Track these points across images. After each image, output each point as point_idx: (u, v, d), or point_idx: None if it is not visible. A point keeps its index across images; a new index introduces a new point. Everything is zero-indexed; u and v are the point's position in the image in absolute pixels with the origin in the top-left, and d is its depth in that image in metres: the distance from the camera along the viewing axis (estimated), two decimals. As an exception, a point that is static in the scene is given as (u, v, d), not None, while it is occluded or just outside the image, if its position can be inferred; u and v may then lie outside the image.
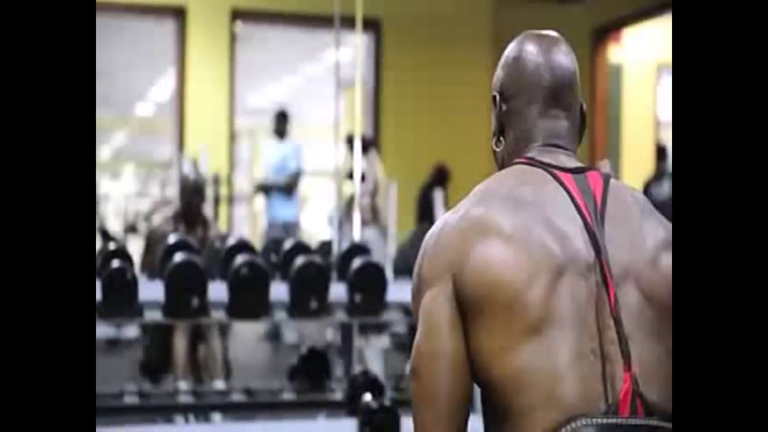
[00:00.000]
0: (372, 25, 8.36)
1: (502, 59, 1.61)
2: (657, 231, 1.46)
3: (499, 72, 1.60)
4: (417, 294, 1.46)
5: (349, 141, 5.97)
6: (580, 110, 1.59)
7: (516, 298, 1.36)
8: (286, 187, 7.59)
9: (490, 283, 1.37)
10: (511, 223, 1.41)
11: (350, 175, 5.93)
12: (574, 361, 1.34)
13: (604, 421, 1.32)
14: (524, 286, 1.36)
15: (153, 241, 5.32)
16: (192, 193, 5.35)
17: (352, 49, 5.65)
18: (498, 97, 1.59)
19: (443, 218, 1.50)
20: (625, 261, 1.42)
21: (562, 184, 1.48)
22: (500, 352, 1.36)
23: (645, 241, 1.44)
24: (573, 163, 1.53)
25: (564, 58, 1.56)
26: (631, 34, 8.22)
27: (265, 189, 7.77)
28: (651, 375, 1.35)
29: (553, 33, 1.60)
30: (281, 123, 7.85)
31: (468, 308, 1.39)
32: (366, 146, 6.18)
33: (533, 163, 1.52)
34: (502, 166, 1.59)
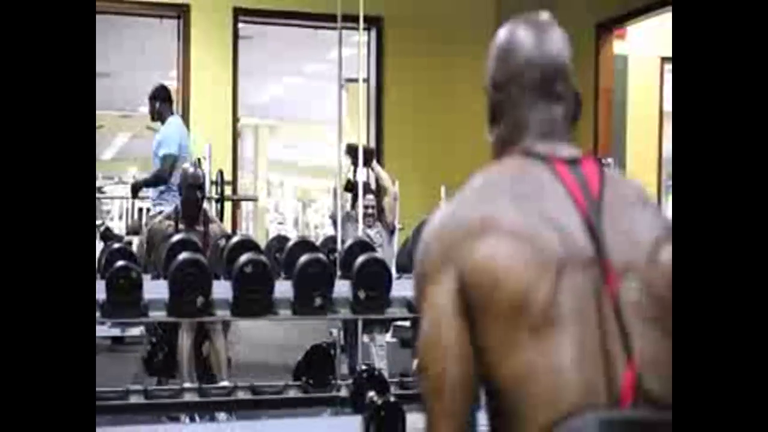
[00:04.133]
0: (374, 22, 8.36)
1: (492, 48, 1.58)
2: (655, 222, 1.44)
3: (489, 61, 1.58)
4: (420, 289, 1.45)
5: (349, 152, 5.80)
6: (574, 96, 1.55)
7: (520, 299, 1.35)
8: (153, 182, 6.54)
9: (495, 283, 1.36)
10: (513, 220, 1.39)
11: (348, 187, 5.83)
12: (577, 359, 1.33)
13: (605, 417, 1.32)
14: (528, 286, 1.35)
15: (154, 239, 5.29)
16: (191, 187, 5.29)
17: (355, 47, 5.63)
18: (489, 87, 1.58)
19: (444, 212, 1.48)
20: (625, 254, 1.39)
21: (558, 176, 1.45)
22: (505, 352, 1.36)
23: (643, 232, 1.42)
24: (568, 151, 1.50)
25: (555, 44, 1.53)
26: (635, 28, 8.22)
27: (135, 189, 6.82)
28: (653, 368, 1.34)
29: (543, 16, 1.56)
30: (153, 103, 6.65)
31: (472, 306, 1.38)
32: (368, 157, 6.04)
33: (529, 153, 1.49)
34: (496, 154, 1.57)
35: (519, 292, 1.35)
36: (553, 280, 1.35)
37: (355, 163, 5.68)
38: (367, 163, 5.79)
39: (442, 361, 1.40)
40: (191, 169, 5.46)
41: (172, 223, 5.28)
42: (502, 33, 1.56)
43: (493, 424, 1.42)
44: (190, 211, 5.29)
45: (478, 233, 1.39)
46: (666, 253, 1.40)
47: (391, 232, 6.32)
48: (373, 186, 6.31)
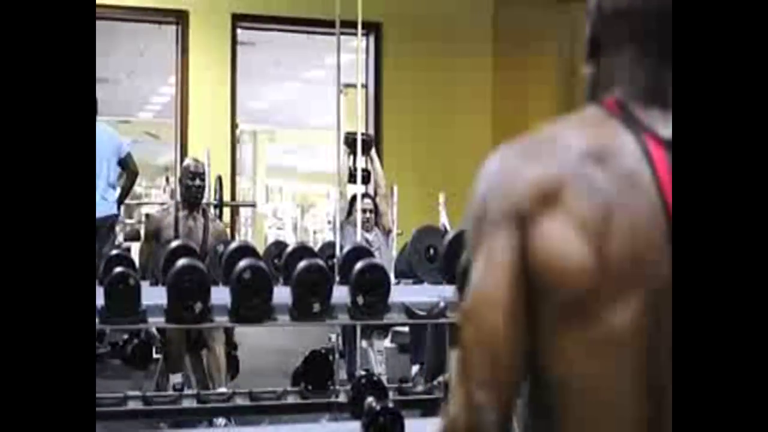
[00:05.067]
0: (372, 28, 8.37)
1: None
2: None
3: None
4: (478, 229, 1.21)
5: (347, 142, 5.81)
6: None
7: (580, 306, 1.16)
8: None
9: (555, 278, 1.16)
10: (586, 210, 1.16)
11: (351, 178, 5.86)
12: (629, 392, 1.18)
13: None
14: (588, 295, 1.15)
15: (153, 223, 5.51)
16: (191, 176, 5.46)
17: (353, 53, 5.65)
18: (593, 9, 1.26)
19: (512, 161, 1.21)
20: None
21: (651, 162, 1.19)
22: (556, 348, 1.18)
23: None
24: (670, 129, 1.21)
25: None
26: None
27: None
28: None
29: None
30: None
31: (531, 285, 1.18)
32: (367, 147, 6.08)
33: (620, 113, 1.22)
34: (591, 95, 1.28)
35: (579, 300, 1.16)
36: (619, 305, 1.16)
37: (353, 153, 5.70)
38: (365, 152, 5.82)
39: (495, 313, 1.17)
40: (192, 162, 5.67)
41: (172, 211, 5.45)
42: None
43: (528, 411, 1.25)
44: (191, 198, 5.44)
45: (545, 208, 1.17)
46: None
47: (388, 233, 6.33)
48: (372, 175, 6.28)
